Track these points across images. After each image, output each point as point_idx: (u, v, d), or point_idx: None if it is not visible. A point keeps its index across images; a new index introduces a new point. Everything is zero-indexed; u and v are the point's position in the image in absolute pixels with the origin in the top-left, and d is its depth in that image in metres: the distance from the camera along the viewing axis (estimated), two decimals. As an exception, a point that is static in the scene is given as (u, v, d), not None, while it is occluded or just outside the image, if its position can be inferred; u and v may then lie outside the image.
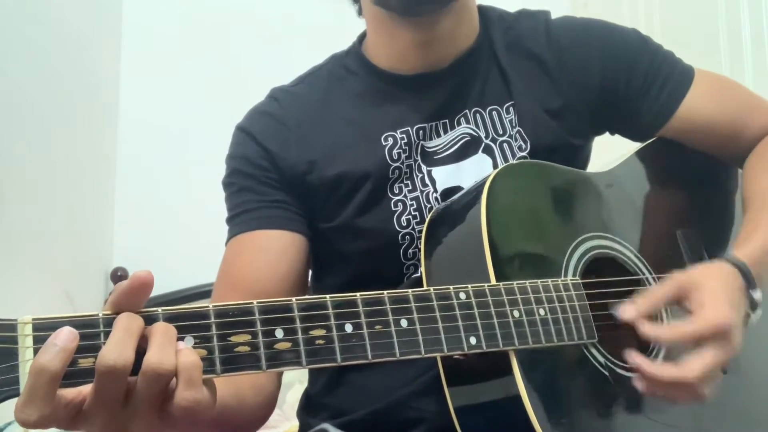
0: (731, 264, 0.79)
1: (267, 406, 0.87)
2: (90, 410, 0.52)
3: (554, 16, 1.01)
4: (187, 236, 2.15)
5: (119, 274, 2.19)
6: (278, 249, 0.89)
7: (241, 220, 0.91)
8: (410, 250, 0.89)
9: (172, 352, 0.52)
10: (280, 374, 0.91)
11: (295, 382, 1.63)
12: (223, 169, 0.97)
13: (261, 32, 2.36)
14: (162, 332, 0.53)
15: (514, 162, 0.89)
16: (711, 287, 0.76)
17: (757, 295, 0.79)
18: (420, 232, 0.88)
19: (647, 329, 0.74)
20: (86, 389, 0.52)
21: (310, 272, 0.97)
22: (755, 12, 1.60)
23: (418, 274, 0.88)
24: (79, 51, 2.04)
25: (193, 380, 0.52)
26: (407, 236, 0.89)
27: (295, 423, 1.01)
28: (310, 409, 0.98)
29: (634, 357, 0.73)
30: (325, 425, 0.91)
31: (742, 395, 0.89)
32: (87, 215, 2.09)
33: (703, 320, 0.73)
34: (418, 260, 0.89)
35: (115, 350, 0.50)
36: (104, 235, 2.20)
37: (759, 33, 1.56)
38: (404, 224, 0.89)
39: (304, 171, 0.91)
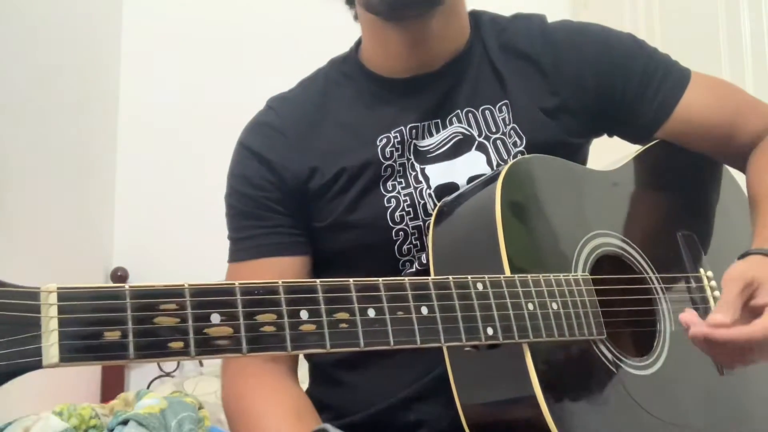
0: None
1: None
2: None
3: (555, 16, 1.02)
4: (188, 236, 2.15)
5: (119, 274, 2.18)
6: (280, 276, 0.89)
7: (242, 246, 0.93)
8: (405, 246, 0.89)
9: None
10: (296, 367, 0.93)
11: (296, 382, 1.61)
12: (224, 168, 0.97)
13: (263, 31, 2.37)
14: None
15: (527, 156, 0.89)
16: None
17: None
18: (414, 228, 0.89)
19: (740, 331, 0.73)
20: None
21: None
22: (755, 12, 1.61)
23: (414, 270, 0.89)
24: (79, 51, 2.04)
25: None
26: (401, 232, 0.89)
27: (296, 422, 1.00)
28: (311, 409, 0.97)
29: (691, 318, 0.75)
30: (326, 425, 0.90)
31: (743, 396, 0.90)
32: (87, 215, 2.08)
33: None
34: (415, 257, 0.90)
35: None
36: (104, 235, 2.19)
37: (759, 33, 1.57)
38: (398, 220, 0.89)
39: (306, 178, 0.92)
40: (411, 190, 0.90)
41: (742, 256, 0.81)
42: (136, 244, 2.20)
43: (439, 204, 0.86)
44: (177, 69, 2.32)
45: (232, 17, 2.38)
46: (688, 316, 0.75)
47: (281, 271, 0.90)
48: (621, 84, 0.95)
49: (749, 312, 0.76)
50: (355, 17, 0.99)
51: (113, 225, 2.23)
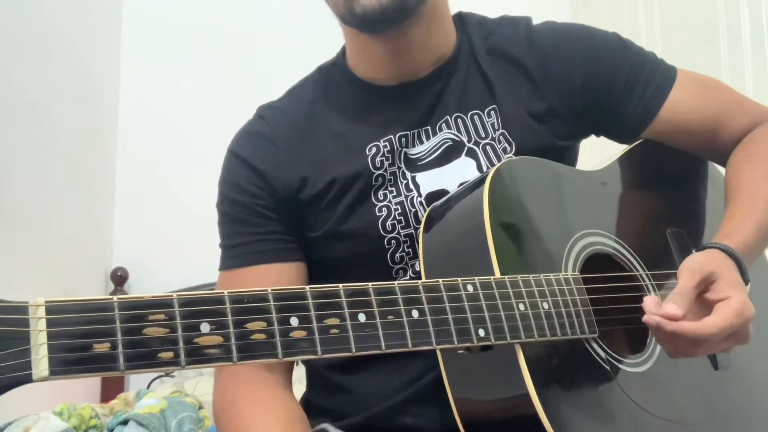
0: (730, 256, 0.80)
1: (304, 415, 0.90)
2: None
3: (553, 16, 1.02)
4: (187, 236, 2.15)
5: (119, 274, 2.19)
6: (275, 282, 0.89)
7: (236, 253, 0.92)
8: (397, 255, 0.90)
9: None
10: (290, 378, 0.93)
11: (295, 382, 1.62)
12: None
13: (262, 32, 2.37)
14: None
15: (514, 158, 0.89)
16: (729, 278, 0.77)
17: (747, 288, 0.81)
18: (406, 236, 0.89)
19: (689, 327, 0.74)
20: None
21: None
22: (755, 12, 1.60)
23: (407, 277, 0.89)
24: (79, 51, 2.05)
25: None
26: (393, 241, 0.89)
27: (295, 423, 1.00)
28: (308, 412, 0.97)
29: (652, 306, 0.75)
30: (326, 425, 0.91)
31: (738, 391, 0.90)
32: (87, 215, 2.10)
33: (734, 315, 0.75)
34: (407, 265, 0.90)
35: None
36: (104, 235, 2.21)
37: (759, 33, 1.56)
38: (389, 229, 0.89)
39: (298, 188, 0.92)
40: (402, 198, 0.90)
41: (701, 249, 0.82)
42: (136, 244, 2.21)
43: (428, 209, 0.87)
44: (177, 70, 2.32)
45: (233, 18, 2.38)
46: (648, 301, 0.75)
47: (277, 278, 0.90)
48: (607, 86, 0.95)
49: (702, 304, 0.77)
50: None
51: (113, 225, 2.25)
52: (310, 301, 0.58)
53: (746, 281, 0.81)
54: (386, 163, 0.91)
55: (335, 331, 0.58)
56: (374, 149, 0.92)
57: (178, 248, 2.17)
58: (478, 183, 0.81)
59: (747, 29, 1.59)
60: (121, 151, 2.28)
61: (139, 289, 2.21)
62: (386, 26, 0.87)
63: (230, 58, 2.34)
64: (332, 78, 0.98)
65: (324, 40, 1.19)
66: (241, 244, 0.92)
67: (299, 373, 1.01)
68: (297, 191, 0.92)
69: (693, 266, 0.77)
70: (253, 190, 0.92)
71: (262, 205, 0.92)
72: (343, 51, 1.00)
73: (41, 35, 1.81)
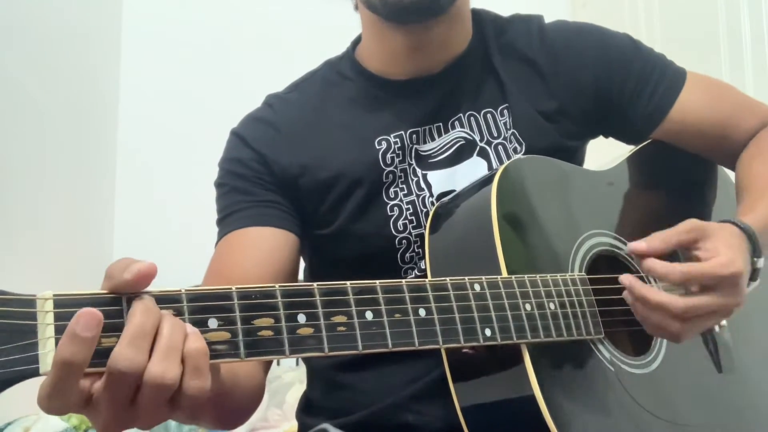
0: (740, 228, 0.80)
1: (257, 394, 0.85)
2: (99, 403, 0.50)
3: (553, 16, 1.02)
4: (188, 235, 2.13)
5: None
6: (270, 246, 0.89)
7: (232, 219, 0.91)
8: (407, 254, 0.89)
9: (177, 359, 0.50)
10: (269, 363, 0.91)
11: (295, 381, 1.62)
12: (224, 168, 0.97)
13: (262, 32, 2.37)
14: (167, 336, 0.50)
15: (522, 157, 0.89)
16: (726, 239, 0.76)
17: (760, 263, 0.80)
18: (417, 236, 0.88)
19: (656, 265, 0.74)
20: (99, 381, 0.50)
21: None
22: (755, 12, 1.61)
23: (414, 276, 0.89)
24: (79, 51, 2.05)
25: (200, 368, 0.51)
26: (404, 240, 0.89)
27: (295, 423, 1.00)
28: (309, 411, 0.97)
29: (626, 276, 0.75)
30: (325, 425, 0.90)
31: (742, 393, 0.90)
32: (87, 214, 2.09)
33: (718, 265, 0.73)
34: (416, 264, 0.89)
35: (128, 355, 0.49)
36: (104, 235, 2.20)
37: (759, 33, 1.57)
38: (401, 228, 0.89)
39: (297, 174, 0.91)
40: (413, 197, 0.90)
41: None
42: (136, 243, 2.20)
43: (435, 206, 0.86)
44: (177, 69, 2.32)
45: (233, 17, 2.38)
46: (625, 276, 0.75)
47: (274, 243, 0.88)
48: (618, 86, 0.95)
49: (687, 260, 0.76)
50: (355, 7, 0.98)
51: (113, 225, 2.24)
52: (317, 298, 0.57)
53: (758, 256, 0.79)
54: (397, 160, 0.91)
55: (342, 328, 0.58)
56: (384, 144, 0.91)
57: (178, 247, 2.16)
58: (486, 181, 0.81)
59: (747, 29, 1.60)
60: (121, 151, 2.28)
61: (138, 289, 2.20)
62: (414, 19, 0.87)
63: (230, 58, 2.34)
64: (341, 71, 0.98)
65: (324, 41, 1.19)
66: (237, 210, 0.90)
67: (300, 373, 1.00)
68: (296, 177, 0.91)
69: (691, 221, 0.78)
70: (255, 165, 0.92)
71: (262, 180, 0.91)
72: (353, 46, 0.99)
73: (41, 35, 1.81)
